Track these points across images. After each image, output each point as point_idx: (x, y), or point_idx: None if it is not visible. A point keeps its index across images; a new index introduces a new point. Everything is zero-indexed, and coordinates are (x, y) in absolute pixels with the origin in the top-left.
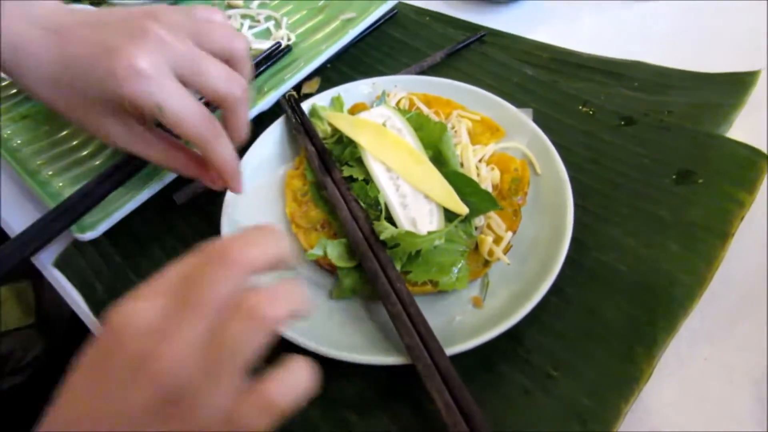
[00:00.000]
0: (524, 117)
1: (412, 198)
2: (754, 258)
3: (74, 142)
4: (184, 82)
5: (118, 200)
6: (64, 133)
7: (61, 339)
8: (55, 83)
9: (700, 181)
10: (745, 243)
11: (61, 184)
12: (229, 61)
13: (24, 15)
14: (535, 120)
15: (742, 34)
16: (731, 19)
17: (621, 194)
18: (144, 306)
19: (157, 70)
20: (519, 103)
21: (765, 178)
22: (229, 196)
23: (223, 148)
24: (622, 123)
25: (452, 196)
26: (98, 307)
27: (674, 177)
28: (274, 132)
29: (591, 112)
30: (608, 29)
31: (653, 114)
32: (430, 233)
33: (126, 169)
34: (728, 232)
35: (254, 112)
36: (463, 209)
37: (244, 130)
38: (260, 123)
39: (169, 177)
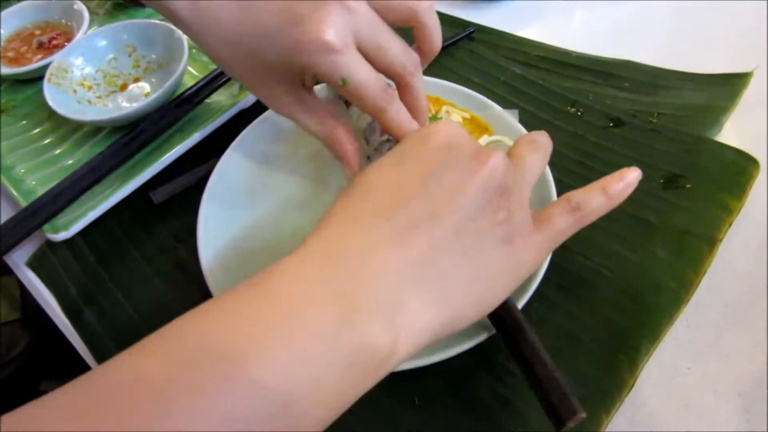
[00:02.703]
0: (510, 117)
1: None
2: (740, 266)
3: (49, 140)
4: (362, 52)
5: (93, 199)
6: (40, 129)
7: (47, 333)
8: (236, 46)
9: (689, 185)
10: (731, 250)
11: (34, 182)
12: (411, 23)
13: None
14: (522, 120)
15: (734, 35)
16: (724, 19)
17: None
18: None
19: (343, 42)
20: (506, 103)
21: (754, 184)
22: (206, 195)
23: (398, 115)
24: (611, 124)
25: None
26: (70, 309)
27: (662, 181)
28: (255, 131)
29: (579, 113)
30: (600, 27)
31: (642, 115)
32: None
33: (101, 168)
34: (716, 238)
35: (236, 108)
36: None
37: (421, 102)
38: (243, 119)
39: (147, 175)
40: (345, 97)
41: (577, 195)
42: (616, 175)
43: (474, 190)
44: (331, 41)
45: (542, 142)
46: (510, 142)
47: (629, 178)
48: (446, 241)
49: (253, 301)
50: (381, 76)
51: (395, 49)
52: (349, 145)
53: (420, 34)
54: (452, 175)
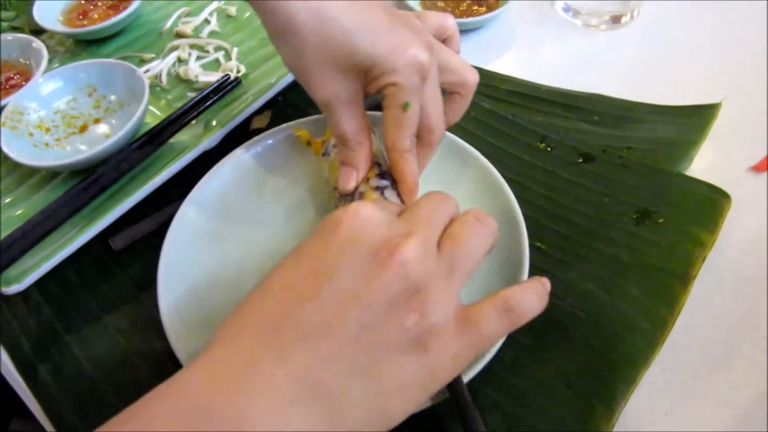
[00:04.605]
0: (476, 153)
1: None
2: (715, 304)
3: (1, 186)
4: None
5: (49, 248)
6: None
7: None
8: (330, 27)
9: (661, 221)
10: (705, 288)
11: None
12: (457, 91)
13: None
14: (492, 157)
15: (703, 65)
16: (692, 49)
17: (579, 235)
18: (380, 210)
19: (429, 69)
20: (476, 139)
21: (726, 218)
22: (168, 241)
23: (412, 163)
24: (581, 160)
25: None
26: (23, 365)
27: (634, 217)
28: (219, 173)
29: (549, 149)
30: (570, 59)
31: (612, 150)
32: None
33: (56, 216)
34: (690, 275)
35: (199, 149)
36: None
37: (425, 165)
38: (207, 160)
39: (106, 221)
40: (386, 125)
41: (513, 295)
42: (540, 280)
43: (372, 296)
44: (424, 62)
45: (490, 223)
46: None
47: (548, 286)
48: (339, 355)
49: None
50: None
51: (442, 110)
52: (367, 152)
53: (456, 104)
54: (349, 278)
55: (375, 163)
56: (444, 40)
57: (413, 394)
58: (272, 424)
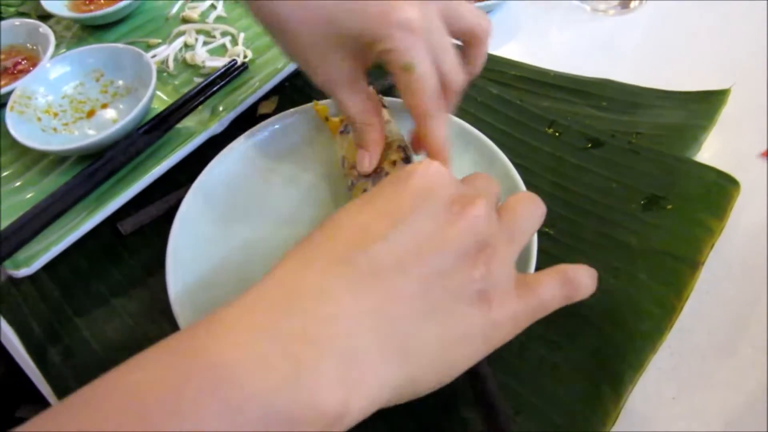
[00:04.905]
0: (485, 138)
1: None
2: (723, 290)
3: (10, 170)
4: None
5: (57, 232)
6: (2, 159)
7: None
8: (316, 8)
9: (669, 206)
10: (714, 274)
11: None
12: (468, 40)
13: None
14: (499, 141)
15: (711, 51)
16: (700, 35)
17: (587, 220)
18: (447, 170)
19: (422, 26)
20: (483, 124)
21: (734, 204)
22: (176, 225)
23: (441, 126)
24: (590, 145)
25: None
26: (34, 347)
27: (642, 202)
28: (226, 158)
29: (557, 134)
30: (578, 45)
31: (621, 136)
32: None
33: (65, 200)
34: (698, 261)
35: (207, 134)
36: None
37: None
38: (214, 145)
39: (114, 206)
40: (404, 92)
41: (570, 269)
42: (588, 267)
43: (447, 243)
44: (413, 19)
45: (541, 204)
46: None
47: (596, 274)
48: (410, 295)
49: (188, 362)
50: (438, 83)
51: (455, 59)
52: (377, 133)
53: (472, 54)
54: (425, 223)
55: (399, 147)
56: None
57: (475, 347)
58: (342, 355)
